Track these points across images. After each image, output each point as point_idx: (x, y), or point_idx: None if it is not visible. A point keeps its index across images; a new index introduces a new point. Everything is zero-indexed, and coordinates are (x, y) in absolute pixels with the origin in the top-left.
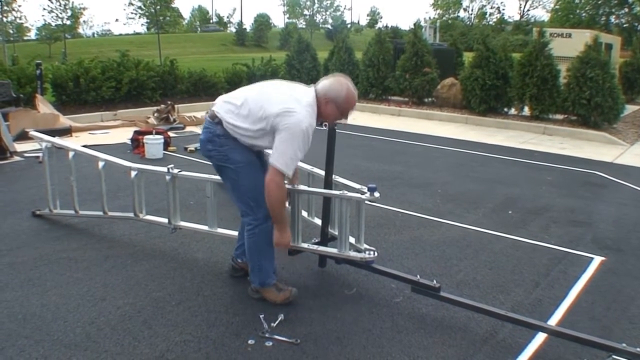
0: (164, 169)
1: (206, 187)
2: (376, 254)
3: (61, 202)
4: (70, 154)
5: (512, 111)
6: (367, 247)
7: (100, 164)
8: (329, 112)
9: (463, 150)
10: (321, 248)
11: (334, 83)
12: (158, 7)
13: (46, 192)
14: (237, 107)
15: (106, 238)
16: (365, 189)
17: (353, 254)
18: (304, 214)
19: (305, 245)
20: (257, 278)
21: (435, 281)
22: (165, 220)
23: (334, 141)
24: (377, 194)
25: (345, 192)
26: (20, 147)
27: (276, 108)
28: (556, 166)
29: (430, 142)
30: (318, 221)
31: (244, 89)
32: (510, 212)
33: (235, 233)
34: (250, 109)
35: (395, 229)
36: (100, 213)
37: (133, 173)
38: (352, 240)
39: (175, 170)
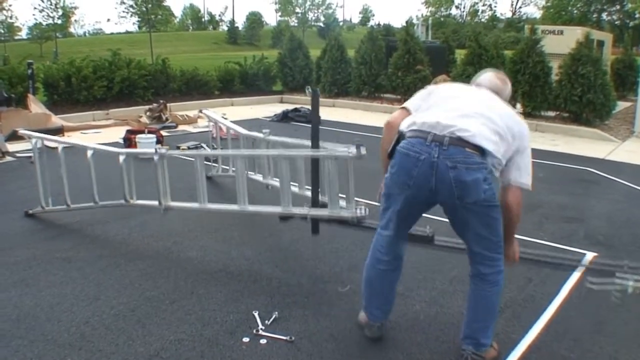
0: (152, 151)
1: (195, 164)
2: (367, 211)
3: (53, 200)
4: (60, 147)
5: None
6: (358, 204)
7: (89, 152)
8: None
9: None
10: (312, 211)
11: (495, 79)
12: (149, 5)
13: (38, 188)
14: (496, 125)
15: (100, 238)
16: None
17: (344, 212)
18: (295, 189)
19: (296, 210)
20: (489, 338)
21: (428, 227)
22: (156, 203)
23: (318, 105)
24: (363, 151)
25: (332, 150)
26: (12, 147)
27: (523, 125)
28: (548, 163)
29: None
30: (308, 193)
31: (457, 101)
32: None
33: (225, 206)
34: (501, 128)
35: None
36: (92, 204)
37: (121, 158)
38: (342, 204)
39: (163, 150)
